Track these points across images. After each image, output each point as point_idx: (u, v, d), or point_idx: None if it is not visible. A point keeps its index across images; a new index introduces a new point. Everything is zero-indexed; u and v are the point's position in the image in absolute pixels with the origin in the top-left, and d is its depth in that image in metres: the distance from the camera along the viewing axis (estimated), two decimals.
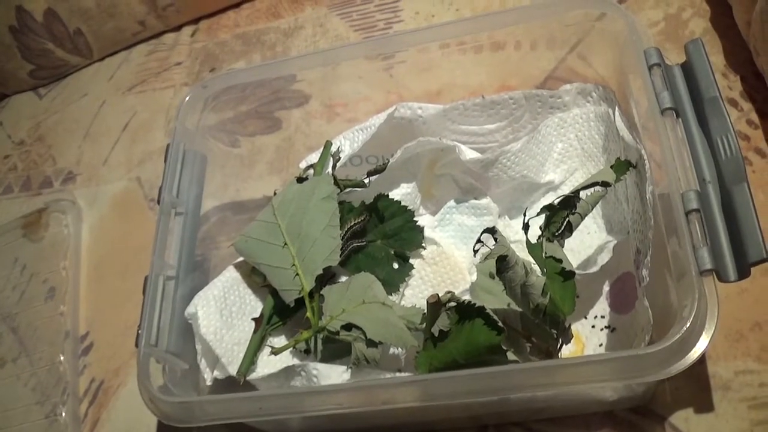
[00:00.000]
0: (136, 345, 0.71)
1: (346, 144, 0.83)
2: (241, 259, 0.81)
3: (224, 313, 0.77)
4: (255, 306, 0.80)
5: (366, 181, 0.82)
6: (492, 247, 0.66)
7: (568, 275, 0.66)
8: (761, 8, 0.77)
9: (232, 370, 0.73)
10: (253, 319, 0.77)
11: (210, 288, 0.78)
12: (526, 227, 0.69)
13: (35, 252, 1.06)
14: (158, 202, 0.78)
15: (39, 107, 1.28)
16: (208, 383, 0.75)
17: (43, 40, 1.24)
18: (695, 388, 0.69)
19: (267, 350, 0.76)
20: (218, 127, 0.88)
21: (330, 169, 0.80)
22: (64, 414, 0.90)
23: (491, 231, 0.66)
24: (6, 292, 1.04)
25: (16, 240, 1.08)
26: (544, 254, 0.67)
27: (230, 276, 0.80)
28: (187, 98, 0.84)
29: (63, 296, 1.00)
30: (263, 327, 0.77)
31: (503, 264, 0.64)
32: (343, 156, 0.82)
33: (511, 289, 0.64)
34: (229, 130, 0.90)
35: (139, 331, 0.71)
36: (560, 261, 0.66)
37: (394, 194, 0.83)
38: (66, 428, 0.89)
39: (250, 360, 0.74)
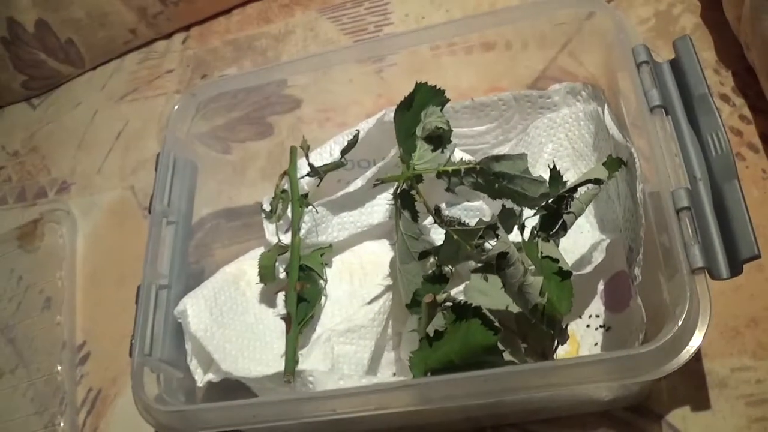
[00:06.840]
0: (130, 355, 0.71)
1: (336, 148, 0.82)
2: (233, 262, 0.81)
3: (215, 312, 0.77)
4: (246, 307, 0.80)
5: (342, 160, 0.81)
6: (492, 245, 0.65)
7: (565, 275, 0.65)
8: (752, 3, 0.77)
9: (225, 368, 0.73)
10: (282, 317, 0.76)
11: (200, 288, 0.78)
12: (521, 228, 0.68)
13: (31, 262, 1.05)
14: (149, 212, 0.78)
15: (32, 118, 1.28)
16: (199, 385, 0.75)
17: (35, 50, 1.23)
18: (692, 386, 0.69)
19: (262, 349, 0.75)
20: (210, 134, 0.88)
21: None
22: (62, 424, 0.89)
23: (493, 228, 0.66)
24: (2, 303, 1.03)
25: (11, 251, 1.07)
26: (540, 254, 0.67)
27: (221, 278, 0.80)
28: (176, 107, 0.84)
29: (59, 306, 0.99)
30: (295, 325, 0.75)
31: (504, 260, 0.63)
32: (334, 160, 0.81)
33: (509, 287, 0.63)
34: (220, 136, 0.90)
35: (133, 341, 0.71)
36: (557, 261, 0.66)
37: (385, 197, 0.83)
38: None
39: (293, 360, 0.73)
